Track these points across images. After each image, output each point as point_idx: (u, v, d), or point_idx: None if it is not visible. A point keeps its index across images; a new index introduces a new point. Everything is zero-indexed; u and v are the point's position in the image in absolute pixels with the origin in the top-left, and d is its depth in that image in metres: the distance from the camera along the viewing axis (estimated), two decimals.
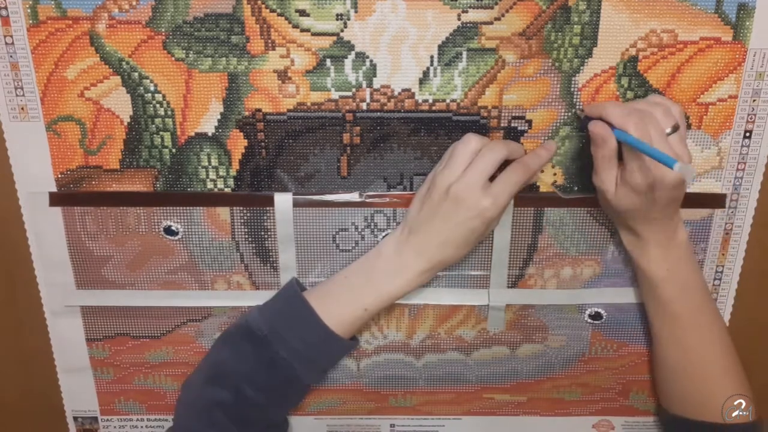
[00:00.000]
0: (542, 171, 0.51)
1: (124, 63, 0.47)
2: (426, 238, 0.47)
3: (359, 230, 0.52)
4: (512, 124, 0.50)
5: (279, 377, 0.49)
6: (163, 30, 0.47)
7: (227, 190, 0.51)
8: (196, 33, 0.47)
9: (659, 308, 0.50)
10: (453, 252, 0.47)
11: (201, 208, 0.52)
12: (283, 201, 0.51)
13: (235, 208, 0.52)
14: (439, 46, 0.47)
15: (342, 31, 0.47)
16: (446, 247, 0.46)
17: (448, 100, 0.49)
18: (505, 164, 0.46)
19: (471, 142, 0.45)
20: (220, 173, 0.51)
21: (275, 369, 0.48)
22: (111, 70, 0.48)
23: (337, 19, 0.46)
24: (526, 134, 0.50)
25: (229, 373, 0.49)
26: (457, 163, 0.45)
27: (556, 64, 0.48)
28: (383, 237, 0.51)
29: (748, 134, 0.50)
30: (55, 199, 0.51)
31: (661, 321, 0.51)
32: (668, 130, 0.42)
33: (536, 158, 0.48)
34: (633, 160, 0.43)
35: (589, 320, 0.56)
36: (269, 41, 0.47)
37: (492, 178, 0.46)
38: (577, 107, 0.49)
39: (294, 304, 0.49)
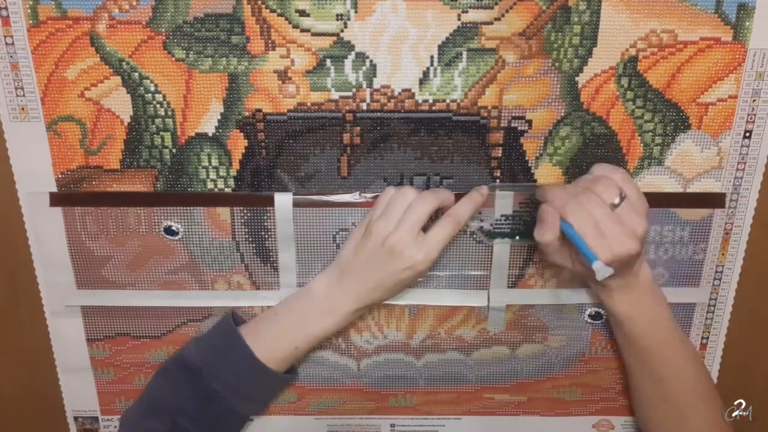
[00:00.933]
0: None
1: (124, 63, 0.47)
2: (358, 282, 0.48)
3: None
4: (512, 125, 0.50)
5: (213, 410, 0.50)
6: (163, 30, 0.47)
7: (227, 190, 0.52)
8: (196, 33, 0.47)
9: (628, 344, 0.51)
10: (382, 295, 0.49)
11: (201, 208, 0.52)
12: (283, 201, 0.51)
13: (235, 208, 0.52)
14: (439, 46, 0.47)
15: (342, 31, 0.47)
16: (376, 291, 0.48)
17: (448, 101, 0.49)
18: (438, 212, 0.48)
19: (407, 194, 0.47)
20: (221, 173, 0.51)
21: (209, 402, 0.49)
22: (111, 70, 0.48)
23: (337, 20, 0.46)
24: (526, 134, 0.50)
25: (165, 406, 0.50)
26: (392, 213, 0.47)
27: (556, 64, 0.48)
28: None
29: (748, 134, 0.50)
30: (56, 200, 0.52)
31: (632, 355, 0.51)
32: (616, 201, 0.43)
33: (466, 207, 0.48)
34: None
35: (589, 320, 0.56)
36: (269, 41, 0.47)
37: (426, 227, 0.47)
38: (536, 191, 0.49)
39: (228, 337, 0.50)
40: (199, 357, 0.50)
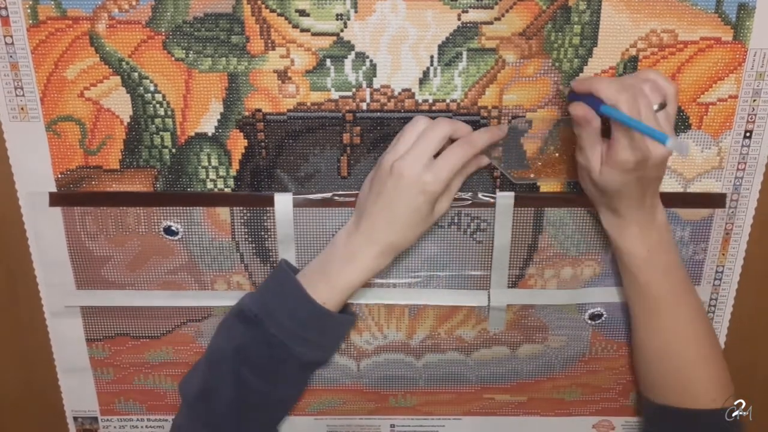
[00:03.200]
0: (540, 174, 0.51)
1: (124, 63, 0.47)
2: (373, 221, 0.46)
3: None
4: (512, 123, 0.50)
5: (273, 356, 0.49)
6: (163, 30, 0.47)
7: (227, 190, 0.51)
8: (196, 33, 0.47)
9: (639, 291, 0.50)
10: (400, 233, 0.47)
11: (201, 208, 0.52)
12: (283, 201, 0.51)
13: (235, 208, 0.52)
14: (439, 46, 0.47)
15: (342, 31, 0.47)
16: (392, 227, 0.46)
17: (448, 100, 0.49)
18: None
19: (418, 123, 0.46)
20: (220, 173, 0.51)
21: (269, 348, 0.48)
22: (111, 70, 0.48)
23: (337, 19, 0.46)
24: (526, 134, 0.50)
25: (225, 356, 0.49)
26: (402, 142, 0.46)
27: (556, 64, 0.48)
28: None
29: (748, 134, 0.50)
30: (55, 199, 0.51)
31: (641, 305, 0.50)
32: (655, 107, 0.42)
33: (482, 136, 0.47)
34: (623, 137, 0.42)
35: (589, 320, 0.56)
36: (269, 41, 0.47)
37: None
38: (563, 87, 0.48)
39: (282, 282, 0.49)
40: (255, 304, 0.49)
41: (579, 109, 0.43)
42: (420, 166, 0.44)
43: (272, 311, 0.48)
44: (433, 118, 0.49)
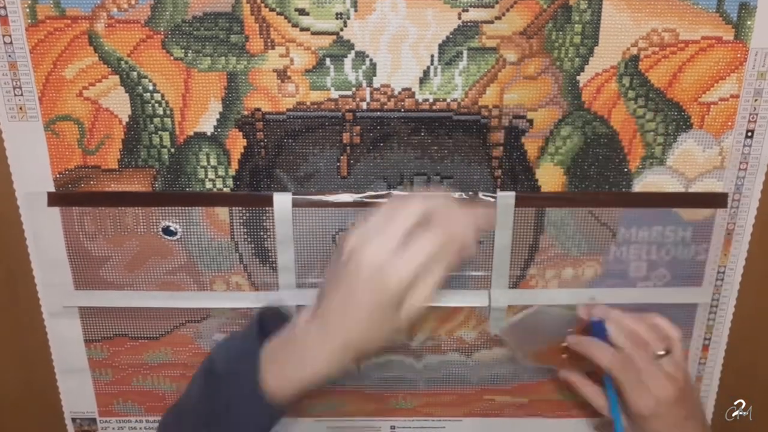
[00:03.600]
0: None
1: (122, 62, 0.47)
2: (328, 315, 0.39)
3: None
4: (513, 124, 0.49)
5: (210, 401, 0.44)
6: (162, 29, 0.46)
7: (226, 190, 0.51)
8: (195, 32, 0.46)
9: None
10: (359, 332, 0.38)
11: (200, 208, 0.52)
12: (282, 201, 0.51)
13: (234, 208, 0.52)
14: (440, 45, 0.47)
15: (342, 30, 0.46)
16: (350, 326, 0.38)
17: (448, 100, 0.49)
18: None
19: (392, 201, 0.39)
20: (219, 173, 0.51)
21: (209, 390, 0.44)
22: (110, 69, 0.47)
23: (336, 18, 0.46)
24: (527, 134, 0.50)
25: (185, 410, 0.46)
26: (370, 224, 0.38)
27: (557, 63, 0.48)
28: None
29: (749, 134, 0.50)
30: (54, 199, 0.51)
31: None
32: (660, 352, 0.44)
33: (463, 226, 0.39)
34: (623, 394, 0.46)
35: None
36: (268, 40, 0.47)
37: None
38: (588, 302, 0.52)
39: (246, 354, 0.43)
40: (220, 360, 0.44)
41: (589, 389, 0.49)
42: (381, 256, 0.36)
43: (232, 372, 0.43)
44: (435, 118, 0.49)
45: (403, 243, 0.37)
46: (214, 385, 0.43)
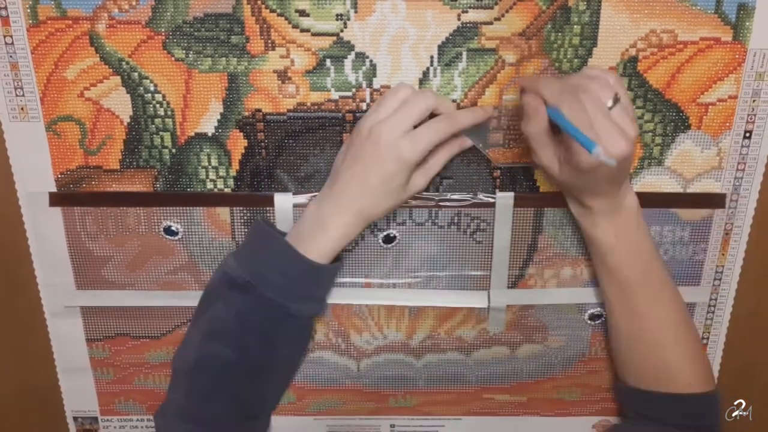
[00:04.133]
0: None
1: (124, 63, 0.47)
2: (344, 187, 0.45)
3: None
4: (512, 124, 0.50)
5: (272, 318, 0.48)
6: (162, 30, 0.47)
7: (227, 190, 0.51)
8: (195, 33, 0.47)
9: (610, 276, 0.49)
10: (371, 200, 0.45)
11: (201, 208, 0.52)
12: (283, 201, 0.51)
13: (235, 208, 0.52)
14: (439, 47, 0.47)
15: (342, 31, 0.47)
16: (363, 194, 0.45)
17: None
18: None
19: (401, 90, 0.45)
20: (220, 173, 0.51)
21: (266, 311, 0.47)
22: (111, 70, 0.48)
23: (337, 20, 0.46)
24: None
25: (228, 327, 0.47)
26: (383, 107, 0.44)
27: (556, 64, 0.48)
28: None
29: (748, 134, 0.50)
30: (55, 200, 0.51)
31: (613, 289, 0.50)
32: (609, 103, 0.40)
33: (466, 115, 0.46)
34: (570, 139, 0.41)
35: (589, 320, 0.56)
36: (269, 41, 0.47)
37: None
38: (513, 80, 0.48)
39: (268, 242, 0.48)
40: (243, 269, 0.47)
41: (530, 98, 0.42)
42: (399, 132, 0.43)
43: (264, 274, 0.47)
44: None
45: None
46: (250, 291, 0.47)
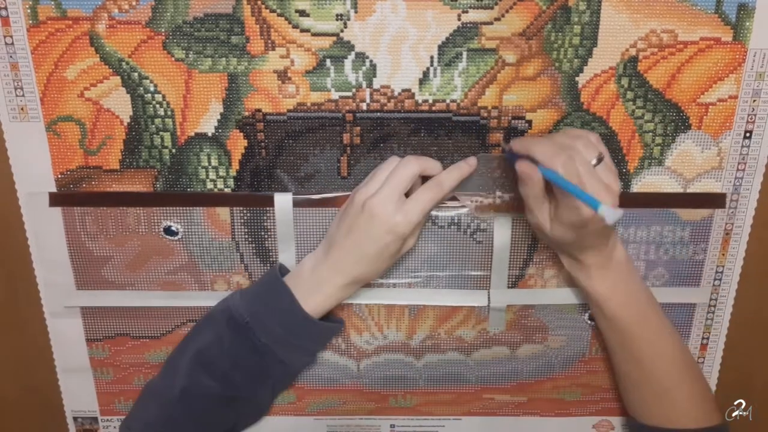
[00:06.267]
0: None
1: (124, 63, 0.47)
2: (342, 254, 0.47)
3: None
4: (512, 125, 0.50)
5: (262, 363, 0.49)
6: (162, 30, 0.47)
7: (227, 190, 0.51)
8: (195, 33, 0.47)
9: (608, 324, 0.51)
10: (368, 267, 0.48)
11: (201, 208, 0.52)
12: (283, 201, 0.51)
13: (235, 208, 0.52)
14: (439, 47, 0.47)
15: (342, 31, 0.47)
16: (361, 261, 0.47)
17: (448, 101, 0.49)
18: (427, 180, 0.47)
19: (392, 162, 0.47)
20: (220, 173, 0.51)
21: (258, 355, 0.49)
22: (111, 70, 0.48)
23: (337, 20, 0.46)
24: (526, 134, 0.50)
25: (215, 360, 0.49)
26: (375, 180, 0.47)
27: (556, 64, 0.48)
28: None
29: (748, 134, 0.50)
30: (55, 200, 0.51)
31: (613, 336, 0.51)
32: (594, 161, 0.42)
33: (452, 174, 0.48)
34: (563, 197, 0.43)
35: (589, 320, 0.56)
36: (269, 41, 0.47)
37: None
38: (503, 143, 0.49)
39: (274, 289, 0.49)
40: (246, 309, 0.49)
41: (524, 166, 0.43)
42: (391, 206, 0.45)
43: (263, 319, 0.49)
44: (435, 119, 0.49)
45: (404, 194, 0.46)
46: (246, 331, 0.49)
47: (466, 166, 0.49)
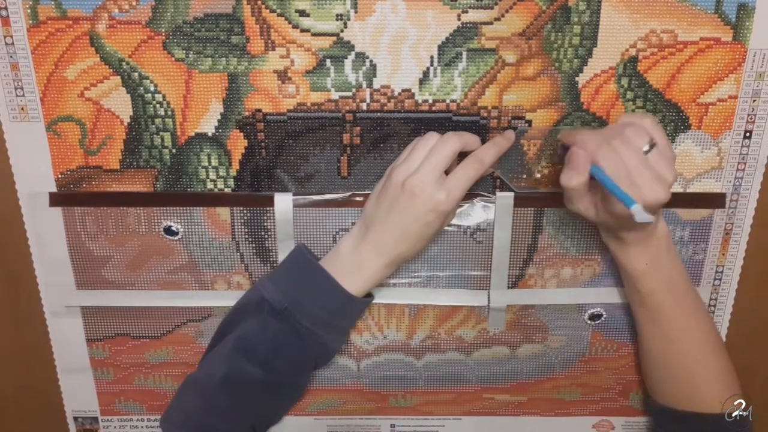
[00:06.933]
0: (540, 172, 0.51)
1: (124, 63, 0.47)
2: (383, 234, 0.47)
3: None
4: (512, 125, 0.50)
5: (306, 347, 0.49)
6: (163, 30, 0.47)
7: (227, 190, 0.51)
8: (196, 33, 0.47)
9: (641, 300, 0.50)
10: (410, 246, 0.47)
11: (201, 208, 0.52)
12: (283, 201, 0.51)
13: (235, 208, 0.52)
14: (439, 47, 0.47)
15: (342, 31, 0.47)
16: (403, 241, 0.46)
17: (447, 101, 0.49)
18: (463, 156, 0.47)
19: (430, 138, 0.46)
20: (220, 173, 0.51)
21: (301, 340, 0.48)
22: (111, 70, 0.48)
23: (337, 20, 0.46)
24: (526, 134, 0.50)
25: (258, 348, 0.48)
26: (414, 157, 0.46)
27: (556, 64, 0.48)
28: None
29: (748, 134, 0.50)
30: (56, 200, 0.51)
31: (644, 313, 0.50)
32: (645, 148, 0.41)
33: (491, 150, 0.47)
34: (609, 192, 0.42)
35: (589, 320, 0.56)
36: (269, 41, 0.47)
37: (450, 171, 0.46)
38: (558, 135, 0.49)
39: (307, 271, 0.49)
40: (284, 296, 0.48)
41: (580, 154, 0.42)
42: (433, 183, 0.44)
43: (302, 303, 0.48)
44: (435, 119, 0.49)
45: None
46: (287, 317, 0.48)
47: (504, 140, 0.48)
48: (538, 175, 0.51)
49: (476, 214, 0.52)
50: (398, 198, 0.45)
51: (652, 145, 0.41)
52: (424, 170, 0.44)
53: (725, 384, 0.50)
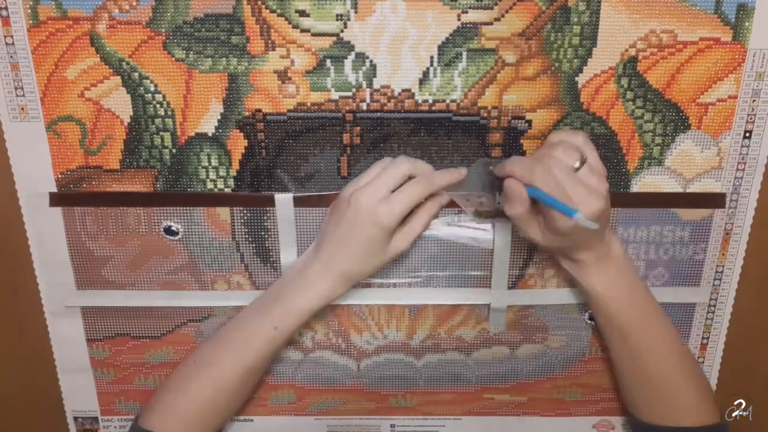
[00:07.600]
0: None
1: (124, 63, 0.48)
2: (330, 249, 0.48)
3: None
4: (512, 125, 0.50)
5: None
6: (163, 30, 0.47)
7: (227, 190, 0.52)
8: (196, 33, 0.47)
9: (605, 321, 0.51)
10: (355, 263, 0.48)
11: (201, 208, 0.52)
12: (284, 201, 0.51)
13: (235, 208, 0.52)
14: (439, 47, 0.47)
15: (342, 31, 0.47)
16: (349, 257, 0.47)
17: (447, 101, 0.49)
18: None
19: (386, 160, 0.48)
20: (220, 173, 0.51)
21: None
22: (111, 70, 0.48)
23: (337, 20, 0.46)
24: (526, 134, 0.50)
25: None
26: (366, 176, 0.47)
27: (556, 64, 0.48)
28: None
29: (747, 134, 0.50)
30: (56, 200, 0.51)
31: (610, 333, 0.51)
32: (576, 165, 0.43)
33: (441, 176, 0.48)
34: (547, 209, 0.43)
35: (589, 320, 0.56)
36: (269, 42, 0.47)
37: None
38: (491, 168, 0.49)
39: None
40: None
41: (512, 183, 0.44)
42: (376, 198, 0.45)
43: None
44: (434, 119, 0.49)
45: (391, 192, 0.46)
46: None
47: (457, 173, 0.49)
48: (498, 205, 0.51)
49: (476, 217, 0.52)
50: (345, 213, 0.46)
51: (583, 162, 0.43)
52: (371, 186, 0.46)
53: (700, 399, 0.51)
